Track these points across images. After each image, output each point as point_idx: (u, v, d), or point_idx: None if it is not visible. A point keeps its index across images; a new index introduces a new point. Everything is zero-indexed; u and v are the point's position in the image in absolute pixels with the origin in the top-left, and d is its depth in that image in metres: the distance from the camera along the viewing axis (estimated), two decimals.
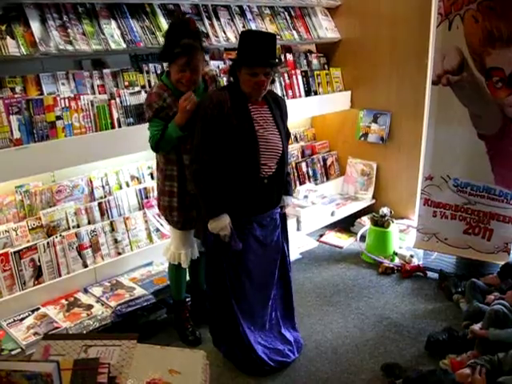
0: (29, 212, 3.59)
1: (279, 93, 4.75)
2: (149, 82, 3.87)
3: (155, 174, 4.04)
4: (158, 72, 3.89)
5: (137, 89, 3.75)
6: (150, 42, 3.74)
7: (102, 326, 3.35)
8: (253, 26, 4.51)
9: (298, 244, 4.98)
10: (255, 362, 3.21)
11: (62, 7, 3.41)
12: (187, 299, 3.75)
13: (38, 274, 3.47)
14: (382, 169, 5.45)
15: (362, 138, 5.43)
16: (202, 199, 3.01)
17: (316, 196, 5.22)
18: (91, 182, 3.87)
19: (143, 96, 3.68)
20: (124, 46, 3.61)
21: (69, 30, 3.38)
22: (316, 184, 5.50)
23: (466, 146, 4.21)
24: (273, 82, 3.08)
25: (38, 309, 3.41)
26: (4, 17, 3.16)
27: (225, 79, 4.13)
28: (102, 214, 3.86)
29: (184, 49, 3.01)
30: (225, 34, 4.28)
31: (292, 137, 5.56)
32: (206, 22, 4.19)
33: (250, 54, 2.85)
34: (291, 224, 4.70)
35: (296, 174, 5.32)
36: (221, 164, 2.96)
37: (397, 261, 4.69)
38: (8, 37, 3.12)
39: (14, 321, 3.28)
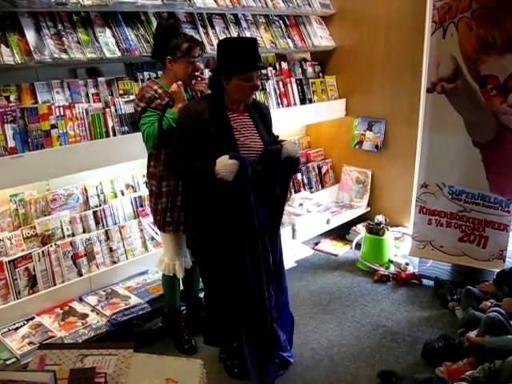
0: (23, 221, 3.57)
1: (274, 101, 4.76)
2: None
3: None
4: None
5: (132, 97, 3.74)
6: (144, 51, 3.74)
7: (97, 335, 3.34)
8: (248, 35, 4.52)
9: (294, 252, 4.98)
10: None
11: (57, 16, 3.41)
12: (182, 308, 3.74)
13: (32, 283, 3.46)
14: (376, 176, 5.46)
15: (357, 146, 5.44)
16: (191, 176, 2.95)
17: (311, 204, 5.22)
18: (86, 190, 3.86)
19: None
20: (119, 54, 3.62)
21: (63, 39, 3.38)
22: (311, 192, 5.50)
23: (461, 153, 4.22)
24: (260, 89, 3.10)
25: (32, 318, 3.40)
26: None
27: None
28: (97, 223, 3.85)
29: (196, 41, 3.25)
30: None
31: None
32: (201, 30, 4.20)
33: (243, 61, 2.85)
34: (286, 232, 4.70)
35: (291, 183, 5.31)
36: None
37: (392, 268, 4.69)
38: (2, 45, 3.12)
39: (9, 330, 3.26)
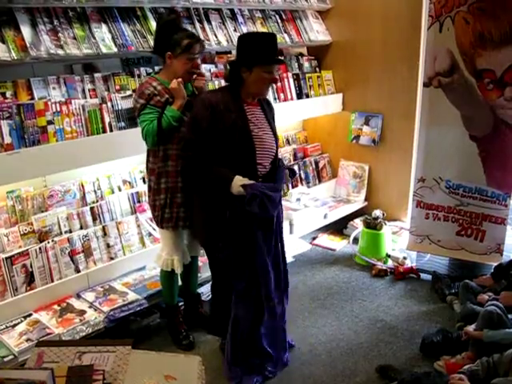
0: (20, 217, 3.56)
1: (271, 96, 4.75)
2: None
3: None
4: None
5: (128, 93, 3.73)
6: (141, 46, 3.72)
7: (94, 332, 3.34)
8: (244, 30, 4.50)
9: (291, 247, 4.96)
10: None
11: (53, 11, 3.39)
12: (180, 304, 3.74)
13: (30, 279, 3.45)
14: (374, 171, 5.46)
15: (354, 141, 5.44)
16: (206, 182, 3.02)
17: (308, 199, 5.22)
18: (83, 186, 3.85)
19: None
20: (115, 49, 3.60)
21: (59, 35, 3.36)
22: (308, 187, 5.50)
23: (458, 147, 4.22)
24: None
25: (30, 315, 3.39)
26: None
27: (216, 83, 4.15)
28: (94, 219, 3.84)
29: (196, 37, 3.23)
30: (216, 37, 4.26)
31: (284, 140, 5.57)
32: (198, 25, 4.18)
33: (266, 53, 2.93)
34: (284, 227, 4.68)
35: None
36: (216, 163, 2.96)
37: (390, 263, 4.70)
38: None
39: (6, 327, 3.25)
